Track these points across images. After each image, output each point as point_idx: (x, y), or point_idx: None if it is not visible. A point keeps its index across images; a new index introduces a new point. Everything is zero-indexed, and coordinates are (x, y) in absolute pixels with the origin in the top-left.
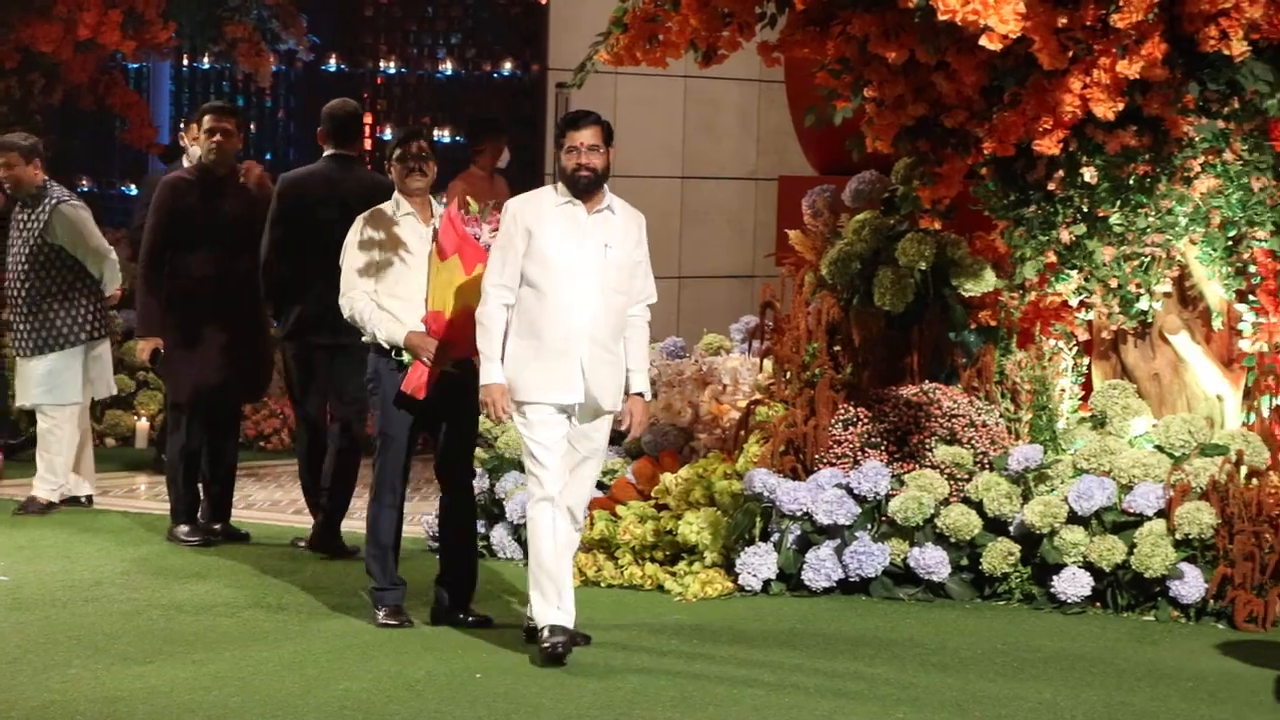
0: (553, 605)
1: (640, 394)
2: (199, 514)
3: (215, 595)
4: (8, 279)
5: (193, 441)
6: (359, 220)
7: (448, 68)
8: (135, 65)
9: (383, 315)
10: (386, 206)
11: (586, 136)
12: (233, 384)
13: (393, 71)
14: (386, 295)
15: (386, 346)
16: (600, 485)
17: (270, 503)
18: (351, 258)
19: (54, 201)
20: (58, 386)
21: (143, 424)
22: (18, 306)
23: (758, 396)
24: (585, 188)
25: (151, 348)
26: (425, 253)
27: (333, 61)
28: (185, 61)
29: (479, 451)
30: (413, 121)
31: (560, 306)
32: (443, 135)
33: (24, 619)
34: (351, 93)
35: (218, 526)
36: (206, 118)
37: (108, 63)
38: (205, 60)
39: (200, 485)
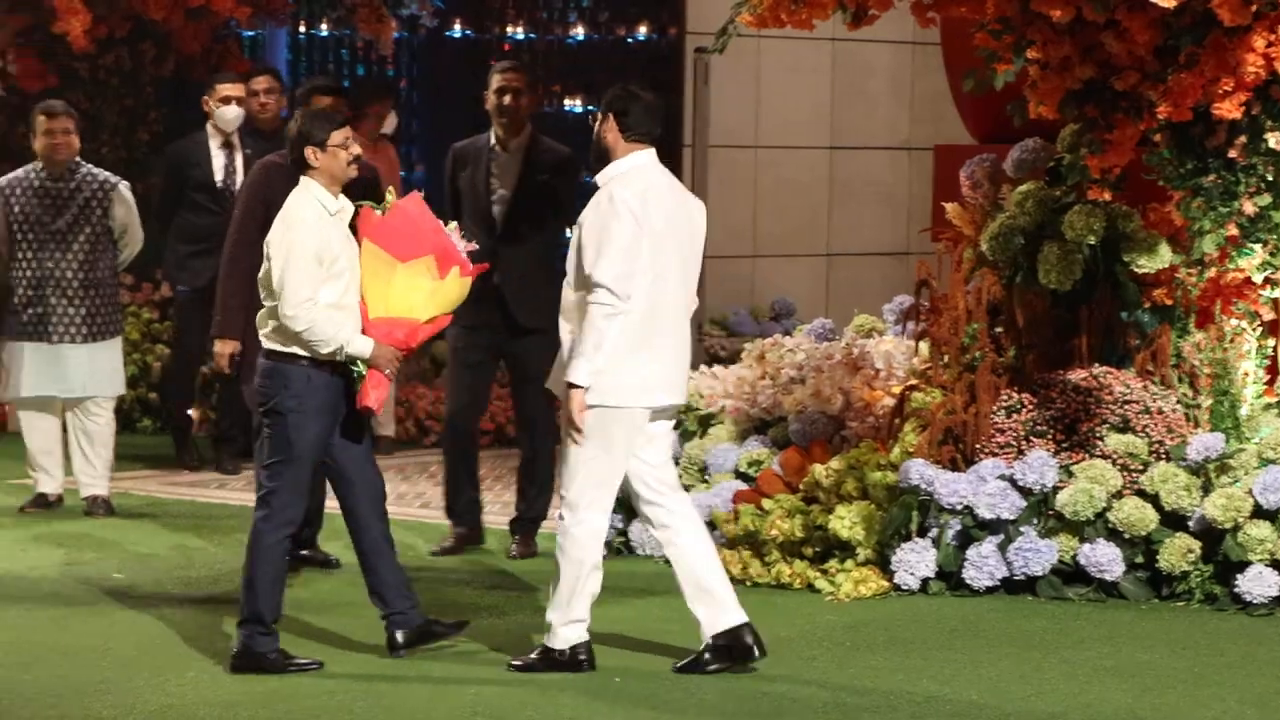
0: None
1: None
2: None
3: (339, 594)
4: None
5: None
6: (298, 215)
7: (579, 32)
8: (250, 33)
9: (348, 328)
10: (312, 198)
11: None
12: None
13: (521, 37)
14: (331, 306)
15: (344, 359)
16: (745, 477)
17: (396, 496)
18: (302, 260)
19: (111, 181)
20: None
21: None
22: (72, 289)
23: (913, 382)
24: None
25: (231, 351)
26: (354, 252)
27: (457, 27)
28: (302, 28)
29: None
30: (542, 91)
31: None
32: (574, 104)
33: (139, 619)
34: (477, 60)
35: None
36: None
37: (221, 31)
38: (323, 27)
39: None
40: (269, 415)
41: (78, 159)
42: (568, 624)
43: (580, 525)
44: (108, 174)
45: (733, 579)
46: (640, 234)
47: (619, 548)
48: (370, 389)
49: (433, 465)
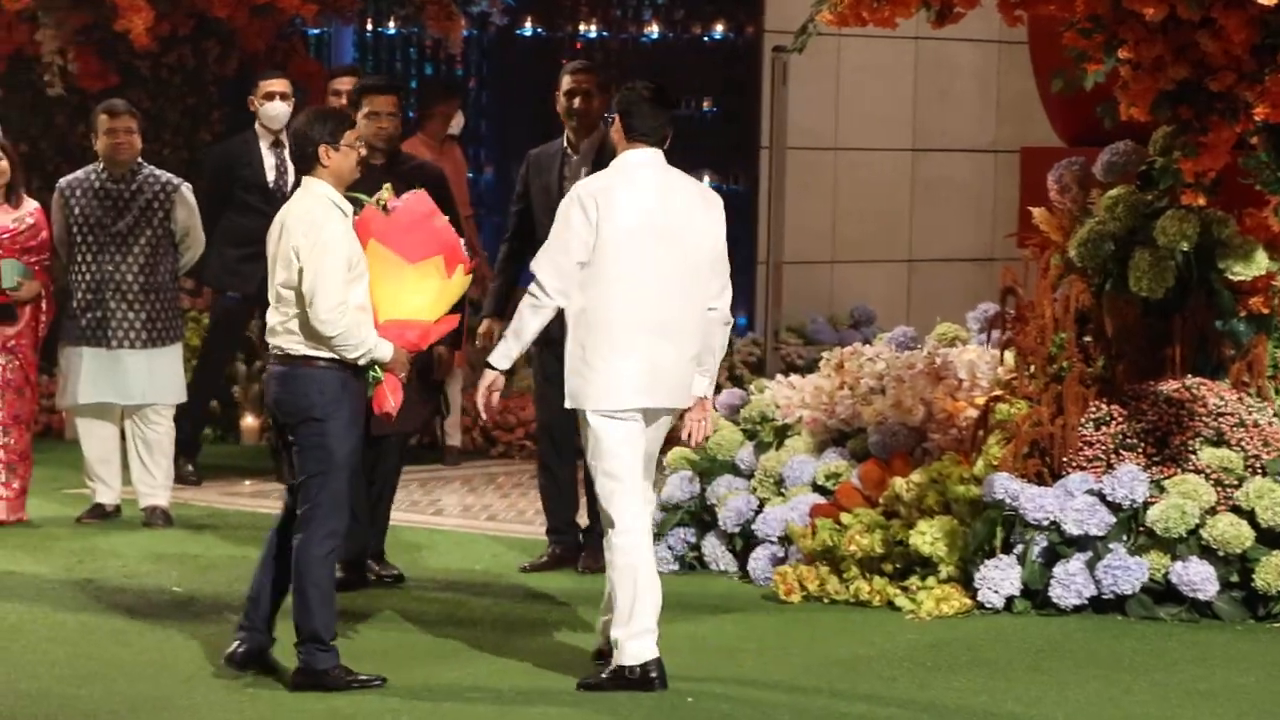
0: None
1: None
2: None
3: (404, 607)
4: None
5: None
6: (326, 218)
7: (654, 30)
8: (316, 31)
9: (374, 331)
10: (327, 200)
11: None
12: None
13: (594, 35)
14: (358, 308)
15: (364, 365)
16: (823, 491)
17: (462, 508)
18: (336, 264)
19: (174, 182)
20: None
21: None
22: (132, 293)
23: (998, 393)
24: None
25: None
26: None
27: (529, 25)
28: (369, 26)
29: (688, 454)
30: (614, 91)
31: None
32: None
33: (198, 633)
34: (549, 58)
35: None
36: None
37: (286, 29)
38: (391, 25)
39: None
40: (304, 425)
41: (140, 160)
42: (633, 638)
43: (620, 535)
44: (170, 175)
45: (810, 596)
46: (586, 230)
47: (691, 563)
48: (389, 393)
49: (499, 476)
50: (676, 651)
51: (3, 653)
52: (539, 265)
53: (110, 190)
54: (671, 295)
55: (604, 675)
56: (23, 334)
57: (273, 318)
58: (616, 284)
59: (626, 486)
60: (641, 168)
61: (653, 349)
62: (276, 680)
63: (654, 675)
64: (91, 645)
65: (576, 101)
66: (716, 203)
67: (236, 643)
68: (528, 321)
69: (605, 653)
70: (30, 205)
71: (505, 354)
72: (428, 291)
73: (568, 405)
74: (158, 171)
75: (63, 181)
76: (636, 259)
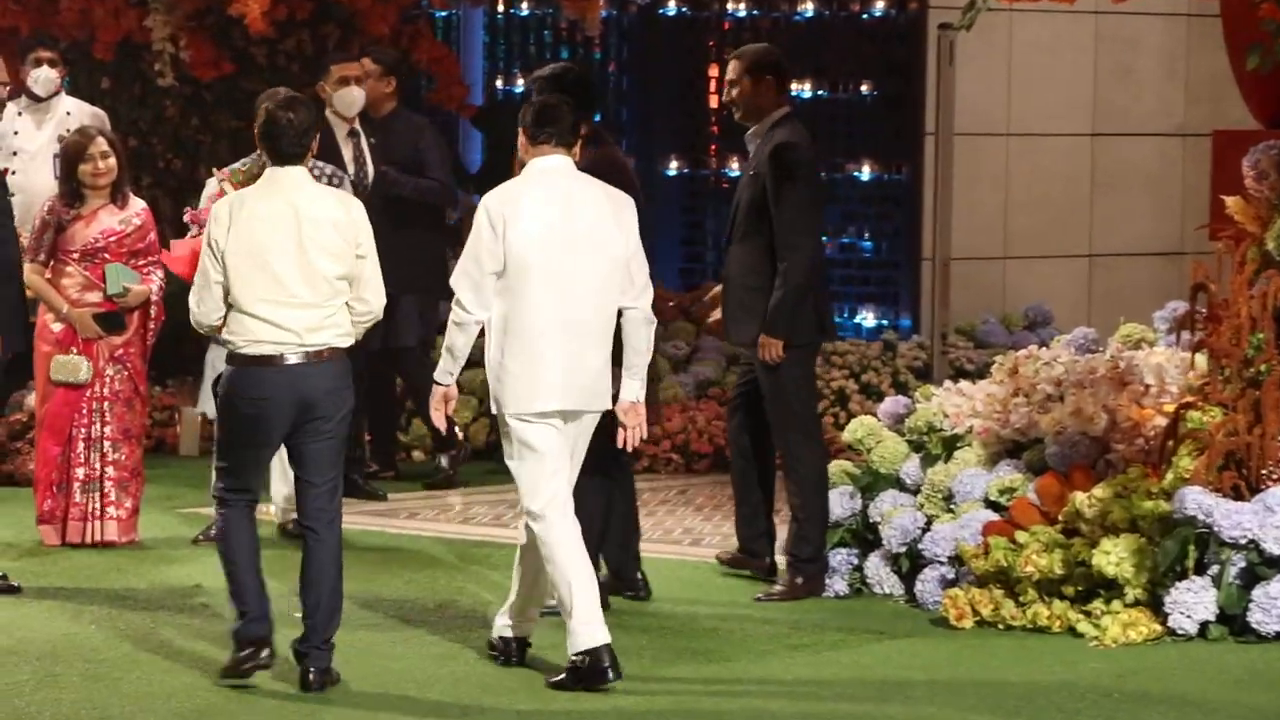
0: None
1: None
2: None
3: (541, 638)
4: None
5: None
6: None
7: (808, 8)
8: (443, 13)
9: None
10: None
11: None
12: None
13: (743, 14)
14: None
15: None
16: (996, 507)
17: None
18: None
19: (339, 174)
20: None
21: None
22: None
23: (1189, 399)
24: None
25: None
26: None
27: (672, 4)
28: (500, 8)
29: (849, 467)
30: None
31: None
32: (802, 89)
33: None
34: (694, 39)
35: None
36: None
37: (411, 11)
38: (524, 5)
39: None
40: (347, 413)
41: None
42: (582, 624)
43: (539, 524)
44: (333, 167)
45: (983, 621)
46: (494, 242)
47: (854, 585)
48: None
49: (645, 493)
50: (839, 681)
51: (117, 684)
52: (456, 282)
53: None
54: (583, 300)
55: (564, 674)
56: (131, 343)
57: (301, 318)
58: (528, 292)
59: (550, 479)
60: (547, 174)
61: (567, 353)
62: (403, 707)
63: (605, 664)
64: (210, 676)
65: (730, 92)
66: (627, 205)
67: (312, 673)
68: (455, 339)
69: (494, 644)
70: (137, 205)
71: (446, 370)
72: None
73: (492, 409)
74: (320, 163)
75: (224, 172)
76: (545, 267)
